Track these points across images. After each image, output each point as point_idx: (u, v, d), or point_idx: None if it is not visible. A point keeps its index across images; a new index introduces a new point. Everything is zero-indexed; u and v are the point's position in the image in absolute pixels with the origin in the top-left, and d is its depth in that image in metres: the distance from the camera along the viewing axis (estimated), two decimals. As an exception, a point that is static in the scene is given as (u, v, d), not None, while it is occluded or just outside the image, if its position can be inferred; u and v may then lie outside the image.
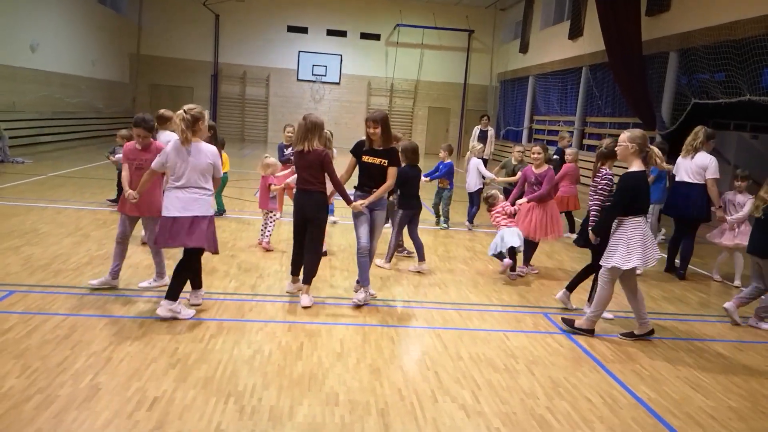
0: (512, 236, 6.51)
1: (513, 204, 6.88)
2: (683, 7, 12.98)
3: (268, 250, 7.14)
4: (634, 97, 13.92)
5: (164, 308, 4.73)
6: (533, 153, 6.97)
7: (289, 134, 8.61)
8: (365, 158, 5.40)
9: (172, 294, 4.75)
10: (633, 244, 4.78)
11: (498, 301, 5.93)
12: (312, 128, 5.23)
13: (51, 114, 17.63)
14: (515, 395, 3.91)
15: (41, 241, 6.82)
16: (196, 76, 25.10)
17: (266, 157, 7.47)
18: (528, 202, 6.79)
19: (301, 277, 5.49)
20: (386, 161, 5.34)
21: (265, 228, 7.29)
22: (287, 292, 5.61)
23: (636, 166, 4.86)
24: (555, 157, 10.10)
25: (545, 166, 6.93)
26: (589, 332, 5.08)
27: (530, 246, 6.99)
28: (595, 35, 15.18)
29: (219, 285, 5.67)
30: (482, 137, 13.72)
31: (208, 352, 4.21)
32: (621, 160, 5.04)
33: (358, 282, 5.60)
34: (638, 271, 7.00)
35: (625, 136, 4.90)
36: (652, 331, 5.10)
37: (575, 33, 18.03)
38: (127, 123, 21.97)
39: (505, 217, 6.76)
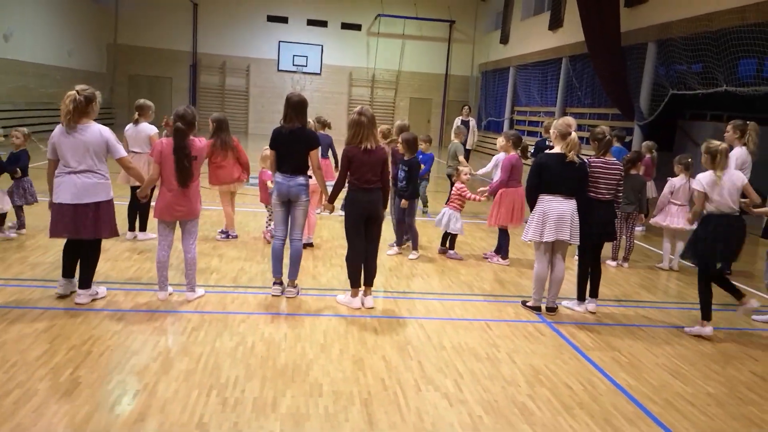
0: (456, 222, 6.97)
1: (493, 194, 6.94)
2: (662, -1, 13.10)
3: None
4: (613, 87, 14.05)
5: (83, 297, 4.81)
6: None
7: None
8: None
9: (87, 283, 4.85)
10: (534, 220, 5.22)
11: (480, 291, 5.97)
12: (374, 123, 5.13)
13: (25, 105, 17.30)
14: (497, 383, 3.95)
15: (16, 234, 6.71)
16: (175, 66, 24.78)
17: (266, 149, 7.33)
18: (489, 193, 7.03)
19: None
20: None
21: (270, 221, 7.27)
22: (367, 308, 5.20)
23: (556, 149, 5.22)
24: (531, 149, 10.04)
25: (509, 154, 6.94)
26: (536, 309, 5.42)
27: (504, 237, 7.05)
28: (575, 26, 15.27)
29: (200, 278, 5.62)
30: (464, 127, 13.73)
31: (190, 345, 4.18)
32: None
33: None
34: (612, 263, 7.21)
35: (554, 122, 5.41)
36: (539, 308, 5.42)
37: (555, 24, 18.12)
38: (105, 114, 21.63)
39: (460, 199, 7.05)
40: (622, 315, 5.54)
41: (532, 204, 5.29)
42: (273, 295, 5.31)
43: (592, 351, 4.61)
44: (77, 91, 4.64)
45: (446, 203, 7.21)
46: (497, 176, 7.10)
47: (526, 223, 5.47)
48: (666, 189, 7.05)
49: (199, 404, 3.40)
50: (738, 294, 5.25)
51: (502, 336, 4.80)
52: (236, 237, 7.33)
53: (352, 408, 3.50)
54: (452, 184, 7.37)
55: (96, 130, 4.67)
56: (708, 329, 5.09)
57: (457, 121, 14.05)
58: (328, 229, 8.14)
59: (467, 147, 13.48)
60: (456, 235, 7.20)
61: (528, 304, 5.47)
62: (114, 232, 4.87)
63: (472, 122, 13.87)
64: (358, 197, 5.08)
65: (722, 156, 4.96)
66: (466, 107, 14.29)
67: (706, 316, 5.11)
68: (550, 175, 5.14)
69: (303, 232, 5.40)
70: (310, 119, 7.37)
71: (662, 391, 4.03)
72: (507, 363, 4.28)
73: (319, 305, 5.21)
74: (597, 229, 5.33)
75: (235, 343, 4.27)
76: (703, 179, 5.02)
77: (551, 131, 5.35)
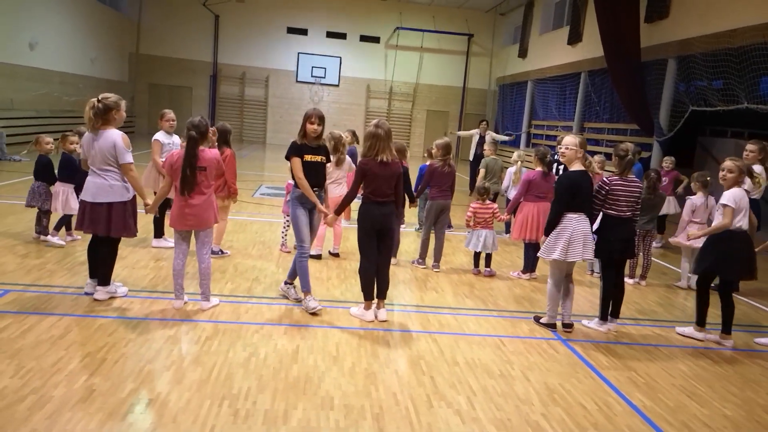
0: (481, 240, 6.89)
1: (510, 211, 6.98)
2: (682, 14, 13.02)
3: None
4: (632, 103, 13.94)
5: (101, 293, 5.07)
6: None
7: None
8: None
9: (105, 280, 5.08)
10: (563, 239, 5.14)
11: (494, 306, 5.93)
12: (390, 135, 5.13)
13: (49, 112, 17.60)
14: (510, 401, 3.91)
15: (37, 240, 6.80)
16: (195, 76, 25.09)
17: None
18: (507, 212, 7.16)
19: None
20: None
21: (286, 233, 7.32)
22: (380, 321, 5.21)
23: (576, 166, 5.18)
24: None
25: (537, 169, 7.00)
26: (551, 326, 5.35)
27: (535, 251, 7.01)
28: (594, 41, 15.21)
29: (215, 287, 5.65)
30: (480, 142, 13.75)
31: (204, 354, 4.20)
32: (569, 165, 5.25)
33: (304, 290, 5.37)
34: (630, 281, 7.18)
35: (571, 140, 5.19)
36: (554, 325, 5.37)
37: (574, 38, 18.07)
38: (127, 121, 22.04)
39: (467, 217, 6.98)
40: (638, 334, 5.47)
41: (555, 223, 5.15)
42: (314, 312, 5.23)
43: (607, 370, 4.55)
44: (97, 99, 4.91)
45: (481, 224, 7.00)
46: (511, 191, 7.21)
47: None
48: (687, 208, 6.93)
49: (211, 415, 3.40)
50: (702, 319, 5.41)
51: (516, 353, 4.75)
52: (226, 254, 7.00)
53: (364, 422, 3.48)
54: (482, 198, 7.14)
55: (109, 135, 4.87)
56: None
57: (475, 137, 14.07)
58: (342, 240, 8.13)
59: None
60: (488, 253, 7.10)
61: (542, 320, 5.41)
62: (126, 232, 5.03)
63: (488, 136, 13.86)
64: (371, 210, 5.07)
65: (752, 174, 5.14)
66: (484, 122, 14.31)
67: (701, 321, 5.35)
68: (582, 194, 5.15)
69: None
70: (342, 133, 7.44)
71: (678, 412, 3.96)
72: (521, 380, 4.24)
73: (332, 317, 5.20)
74: (620, 246, 5.32)
75: (248, 353, 4.28)
76: (735, 196, 5.03)
77: (566, 149, 5.19)
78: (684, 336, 5.41)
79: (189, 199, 4.93)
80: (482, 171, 9.23)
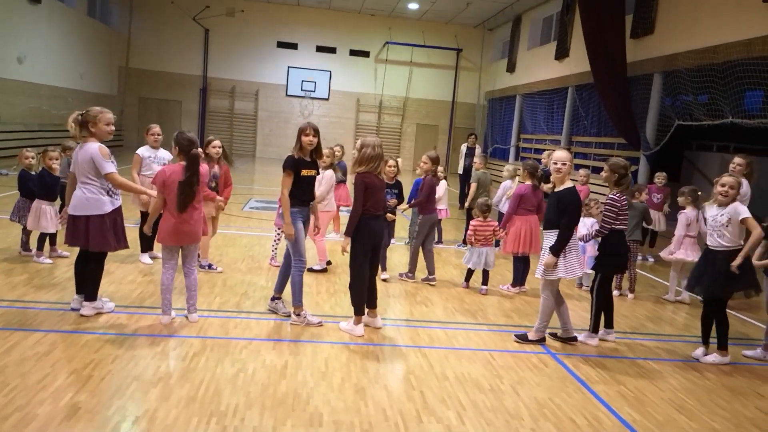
0: (482, 258, 6.78)
1: (504, 226, 6.96)
2: (667, 31, 13.21)
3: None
4: (619, 117, 14.09)
5: (87, 309, 5.02)
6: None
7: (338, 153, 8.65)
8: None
9: (92, 295, 5.04)
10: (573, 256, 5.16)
11: (484, 320, 5.93)
12: (382, 153, 5.25)
13: (38, 126, 17.51)
14: (500, 416, 3.90)
15: (23, 256, 6.73)
16: (185, 89, 25.08)
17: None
18: (501, 227, 7.04)
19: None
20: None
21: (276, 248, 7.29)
22: (376, 328, 5.35)
23: (569, 182, 5.17)
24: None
25: (526, 182, 7.06)
26: (541, 341, 5.32)
27: (524, 264, 7.04)
28: (581, 56, 15.39)
29: (203, 302, 5.61)
30: (469, 155, 13.82)
31: (191, 371, 4.16)
32: (561, 182, 5.20)
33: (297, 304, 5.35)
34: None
35: (566, 155, 5.17)
36: (543, 339, 5.35)
37: (561, 54, 18.28)
38: (115, 135, 21.82)
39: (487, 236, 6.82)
40: (627, 348, 5.48)
41: (567, 242, 5.06)
42: (318, 324, 5.29)
43: (596, 384, 4.55)
44: (78, 113, 4.90)
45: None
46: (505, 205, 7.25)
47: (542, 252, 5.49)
48: (682, 222, 6.93)
49: (199, 432, 3.37)
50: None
51: (506, 367, 4.75)
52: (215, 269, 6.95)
53: (353, 439, 3.45)
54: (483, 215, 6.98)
55: (88, 148, 4.85)
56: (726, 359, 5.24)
57: (463, 149, 14.15)
58: (331, 255, 8.11)
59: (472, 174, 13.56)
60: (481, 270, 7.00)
61: (531, 337, 5.32)
62: (105, 246, 4.94)
63: (478, 149, 13.95)
64: (371, 225, 5.12)
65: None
66: (472, 136, 14.41)
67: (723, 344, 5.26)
68: (579, 211, 5.23)
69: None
70: (330, 148, 7.49)
71: (667, 426, 3.96)
72: (510, 395, 4.23)
73: (321, 332, 5.18)
74: (624, 261, 5.50)
75: (236, 369, 4.24)
76: (745, 208, 5.11)
77: (562, 165, 5.12)
78: (747, 357, 5.44)
79: (185, 215, 4.91)
80: (474, 185, 9.25)
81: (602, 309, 5.47)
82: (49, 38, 18.10)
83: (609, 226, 5.31)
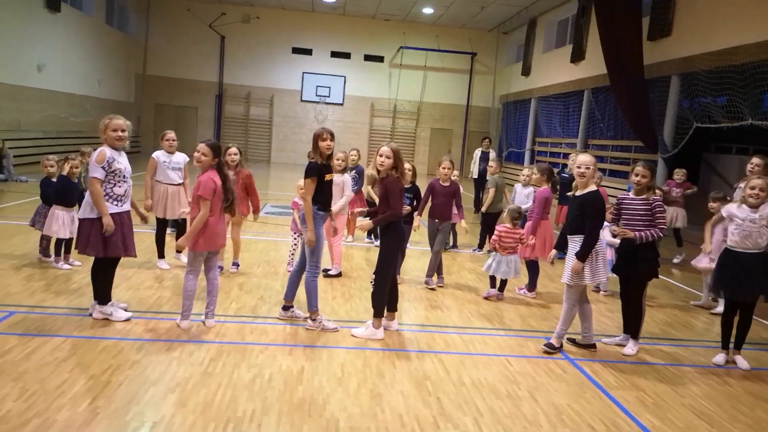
0: (509, 267, 6.62)
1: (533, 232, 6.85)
2: (685, 32, 13.08)
3: None
4: (636, 120, 13.97)
5: (95, 312, 5.07)
6: (533, 174, 7.23)
7: (353, 157, 8.68)
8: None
9: (100, 299, 5.07)
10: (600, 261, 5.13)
11: (500, 325, 5.89)
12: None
13: (56, 133, 17.75)
14: (518, 423, 3.86)
15: (42, 262, 6.81)
16: (201, 96, 25.30)
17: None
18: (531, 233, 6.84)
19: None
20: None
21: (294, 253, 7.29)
22: (394, 330, 5.42)
23: (592, 186, 5.12)
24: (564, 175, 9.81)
25: (544, 186, 6.99)
26: (560, 348, 5.25)
27: (534, 270, 6.99)
28: (597, 59, 15.28)
29: (219, 307, 5.63)
30: (484, 159, 13.77)
31: (208, 376, 4.17)
32: (585, 186, 5.11)
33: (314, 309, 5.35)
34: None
35: (590, 159, 5.10)
36: (561, 346, 5.27)
37: (577, 56, 18.17)
38: (132, 142, 21.93)
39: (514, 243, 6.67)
40: (646, 353, 5.41)
41: (593, 247, 4.99)
42: (334, 329, 5.31)
43: (615, 390, 4.50)
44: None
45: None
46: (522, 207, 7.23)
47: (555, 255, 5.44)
48: (721, 229, 6.49)
49: (215, 438, 3.37)
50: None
51: (523, 373, 4.71)
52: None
53: (369, 445, 3.44)
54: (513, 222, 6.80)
55: (93, 153, 5.00)
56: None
57: (477, 153, 14.10)
58: (347, 259, 8.12)
59: (487, 178, 13.49)
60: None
61: (555, 343, 5.23)
62: (90, 250, 4.94)
63: (492, 154, 13.89)
64: (401, 228, 5.30)
65: None
66: (487, 139, 14.35)
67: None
68: (603, 214, 5.14)
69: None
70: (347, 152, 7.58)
71: (689, 434, 3.90)
72: (528, 401, 4.19)
73: (338, 337, 5.17)
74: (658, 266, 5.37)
75: (252, 375, 4.25)
76: None
77: (585, 170, 5.05)
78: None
79: (220, 221, 5.08)
80: (492, 190, 9.10)
81: (641, 315, 5.38)
82: (68, 46, 18.37)
83: (655, 229, 5.17)
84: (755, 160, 6.80)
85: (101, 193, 4.92)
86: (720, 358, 5.24)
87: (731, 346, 5.30)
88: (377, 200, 5.66)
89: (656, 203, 5.17)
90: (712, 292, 6.37)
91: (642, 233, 5.11)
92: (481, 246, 9.50)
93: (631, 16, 13.17)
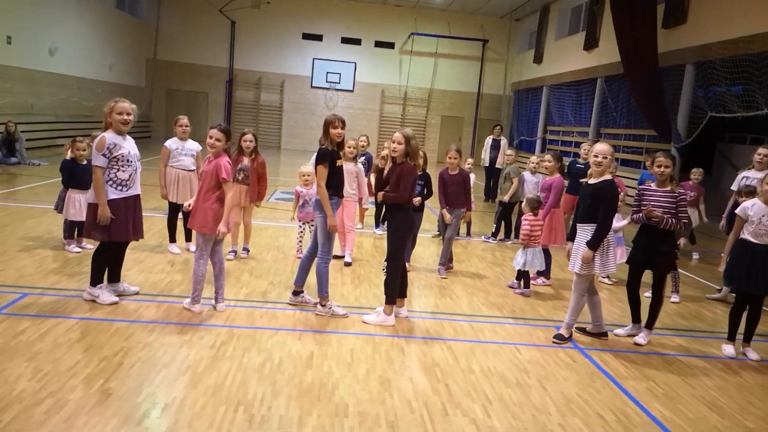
0: (541, 258, 6.56)
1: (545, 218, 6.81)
2: (700, 20, 12.90)
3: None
4: (650, 109, 13.83)
5: (85, 293, 5.14)
6: (545, 161, 7.15)
7: (362, 144, 8.68)
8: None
9: (91, 280, 5.10)
10: (611, 250, 5.10)
11: (510, 314, 5.88)
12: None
13: (68, 117, 17.82)
14: (527, 411, 3.86)
15: (56, 244, 6.87)
16: (212, 81, 25.30)
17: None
18: (543, 216, 6.75)
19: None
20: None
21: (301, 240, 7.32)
22: (403, 317, 5.42)
23: (607, 175, 5.05)
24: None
25: (556, 175, 6.99)
26: (570, 337, 5.23)
27: (546, 258, 6.97)
28: (611, 46, 15.12)
29: (230, 291, 5.66)
30: (495, 146, 13.70)
31: (219, 359, 4.20)
32: (600, 175, 5.03)
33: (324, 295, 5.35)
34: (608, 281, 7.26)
35: (607, 149, 5.00)
36: (571, 336, 5.26)
37: (590, 44, 17.98)
38: (143, 126, 22.15)
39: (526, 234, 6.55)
40: (657, 343, 5.39)
41: (605, 234, 4.94)
42: (344, 315, 5.31)
43: (626, 380, 4.48)
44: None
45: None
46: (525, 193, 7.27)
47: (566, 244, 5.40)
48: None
49: (226, 420, 3.40)
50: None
51: (533, 361, 4.70)
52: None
53: (378, 430, 3.45)
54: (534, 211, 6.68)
55: (97, 138, 5.02)
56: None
57: (488, 141, 14.01)
58: (356, 246, 8.13)
59: (497, 166, 13.42)
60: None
61: (565, 333, 5.21)
62: (94, 234, 4.99)
63: (503, 141, 13.81)
64: (411, 216, 5.38)
65: None
66: (498, 127, 14.26)
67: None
68: (615, 204, 5.10)
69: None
70: (355, 140, 7.58)
71: (698, 424, 3.89)
72: (537, 390, 4.19)
73: (347, 323, 5.19)
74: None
75: (262, 359, 4.27)
76: None
77: (602, 159, 4.97)
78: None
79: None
80: (516, 180, 8.92)
81: (660, 306, 5.36)
82: (79, 30, 18.39)
83: (681, 219, 5.13)
84: (762, 150, 6.72)
85: (102, 182, 4.92)
86: (730, 349, 5.22)
87: (740, 338, 5.27)
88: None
89: (681, 196, 5.09)
90: (725, 283, 6.31)
91: (669, 218, 5.03)
92: (495, 234, 9.39)
93: (646, 2, 13.01)
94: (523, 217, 6.65)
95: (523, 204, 6.77)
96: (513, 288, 6.68)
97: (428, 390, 4.03)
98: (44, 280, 5.62)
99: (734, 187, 7.07)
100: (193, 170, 6.94)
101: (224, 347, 4.42)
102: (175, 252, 6.98)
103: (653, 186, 5.23)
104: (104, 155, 4.89)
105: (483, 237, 9.48)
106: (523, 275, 6.60)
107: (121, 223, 5.01)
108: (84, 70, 18.87)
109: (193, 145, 7.00)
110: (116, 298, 5.15)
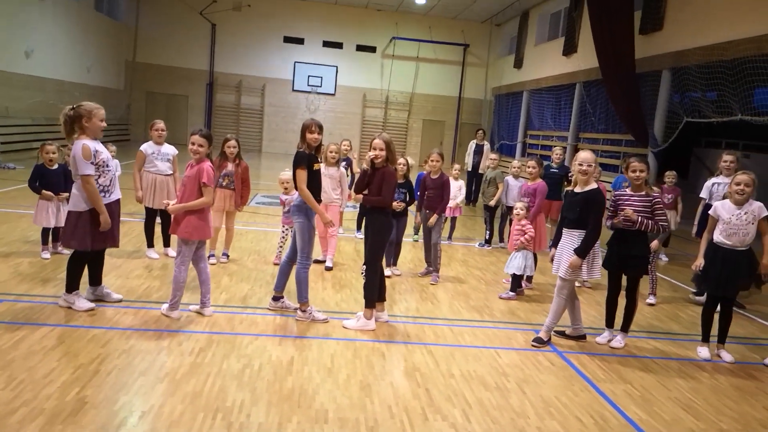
0: (533, 262, 6.64)
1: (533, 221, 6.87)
2: (676, 27, 13.12)
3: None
4: (627, 114, 14.02)
5: (61, 299, 5.07)
6: (529, 167, 7.20)
7: (345, 148, 8.65)
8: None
9: (67, 287, 5.03)
10: (597, 255, 5.27)
11: (489, 318, 5.92)
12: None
13: (44, 120, 17.52)
14: (506, 414, 3.89)
15: (31, 249, 6.76)
16: (192, 84, 25.08)
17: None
18: (530, 220, 6.81)
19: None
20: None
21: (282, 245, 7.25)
22: (384, 321, 5.42)
23: (593, 183, 5.12)
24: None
25: (539, 180, 7.11)
26: (548, 342, 5.27)
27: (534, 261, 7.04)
28: (589, 52, 15.31)
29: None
30: (477, 151, 13.77)
31: (197, 366, 4.16)
32: (586, 183, 5.09)
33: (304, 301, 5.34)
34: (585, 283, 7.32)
35: (591, 157, 5.07)
36: (549, 340, 5.30)
37: (569, 49, 18.18)
38: (122, 130, 21.93)
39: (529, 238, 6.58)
40: (633, 346, 5.45)
41: (594, 243, 5.02)
42: (324, 320, 5.31)
43: (603, 383, 4.53)
44: (71, 106, 4.85)
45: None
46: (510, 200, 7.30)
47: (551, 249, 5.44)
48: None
49: (204, 428, 3.37)
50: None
51: (512, 365, 4.73)
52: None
53: (358, 436, 3.45)
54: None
55: (75, 146, 4.83)
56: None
57: (472, 145, 14.08)
58: (337, 250, 8.11)
59: (480, 171, 13.50)
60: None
61: (543, 337, 5.25)
62: (74, 242, 4.90)
63: (486, 146, 13.89)
64: (390, 221, 5.39)
65: None
66: (481, 131, 14.33)
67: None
68: (603, 212, 5.13)
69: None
70: (337, 145, 7.58)
71: (674, 426, 3.94)
72: (516, 393, 4.22)
73: (327, 328, 5.18)
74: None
75: (242, 365, 4.25)
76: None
77: (587, 167, 5.02)
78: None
79: (209, 210, 5.15)
80: (501, 185, 8.88)
81: (635, 309, 5.41)
82: (56, 32, 18.12)
83: (665, 223, 5.18)
84: (727, 157, 6.92)
85: (97, 191, 4.85)
86: (704, 351, 5.30)
87: (714, 340, 5.36)
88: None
89: (656, 199, 5.14)
90: (695, 286, 6.42)
91: (644, 219, 5.05)
92: (489, 241, 9.36)
93: (624, 9, 13.18)
94: (523, 222, 6.61)
95: (517, 209, 6.73)
96: (510, 299, 6.61)
97: (408, 395, 4.04)
98: (18, 286, 5.53)
99: (704, 194, 7.19)
100: (170, 175, 6.89)
101: (203, 353, 4.38)
102: (154, 257, 6.91)
103: (628, 191, 5.29)
104: (92, 162, 4.82)
105: (477, 244, 9.45)
106: (518, 279, 6.65)
107: (102, 231, 4.94)
108: (61, 72, 18.60)
109: (169, 149, 6.94)
110: (92, 305, 5.07)
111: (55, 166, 6.55)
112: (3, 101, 15.56)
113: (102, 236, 4.96)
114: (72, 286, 5.04)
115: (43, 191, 6.41)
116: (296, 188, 5.14)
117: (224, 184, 6.81)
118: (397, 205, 6.49)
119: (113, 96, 22.91)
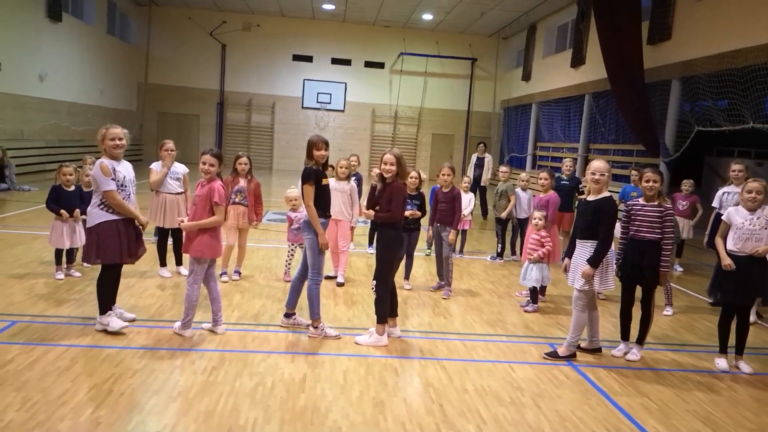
0: (547, 272, 6.59)
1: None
2: (684, 36, 13.10)
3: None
4: (638, 124, 13.97)
5: (96, 323, 5.06)
6: (541, 179, 7.19)
7: (353, 163, 8.60)
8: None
9: (100, 308, 5.02)
10: (610, 266, 5.14)
11: (503, 331, 5.87)
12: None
13: (58, 142, 17.79)
14: (521, 430, 3.84)
15: (45, 270, 6.82)
16: (203, 104, 25.37)
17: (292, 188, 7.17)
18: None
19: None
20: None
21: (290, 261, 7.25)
22: (396, 337, 5.40)
23: (605, 192, 5.08)
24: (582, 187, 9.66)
25: (551, 192, 7.11)
26: (573, 356, 5.18)
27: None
28: (598, 63, 15.30)
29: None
30: (479, 165, 13.73)
31: (210, 385, 4.16)
32: (599, 192, 5.06)
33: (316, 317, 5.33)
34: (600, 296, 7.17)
35: (604, 166, 5.05)
36: (574, 355, 5.22)
37: (577, 61, 18.19)
38: (135, 150, 22.09)
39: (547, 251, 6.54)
40: (650, 358, 5.38)
41: (606, 251, 4.96)
42: (336, 336, 5.29)
43: (620, 396, 4.47)
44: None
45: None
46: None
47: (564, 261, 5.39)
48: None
49: (218, 447, 3.36)
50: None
51: (527, 379, 4.69)
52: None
53: (372, 453, 3.42)
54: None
55: (95, 164, 5.00)
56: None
57: (473, 158, 14.06)
58: (348, 266, 8.11)
59: (482, 183, 13.50)
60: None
61: (562, 353, 5.18)
62: (93, 258, 4.93)
63: (488, 158, 13.85)
64: (400, 235, 5.38)
65: None
66: (481, 144, 14.32)
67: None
68: (615, 221, 5.09)
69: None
70: (347, 160, 7.64)
71: (694, 440, 3.88)
72: (532, 408, 4.17)
73: (340, 344, 5.16)
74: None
75: (254, 383, 4.24)
76: None
77: (600, 176, 5.01)
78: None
79: (220, 228, 5.18)
80: (513, 197, 8.85)
81: (650, 320, 5.34)
82: (70, 55, 18.43)
83: (671, 234, 5.14)
84: (736, 166, 6.89)
85: (123, 202, 4.96)
86: (722, 363, 5.22)
87: (732, 351, 5.28)
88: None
89: (668, 211, 5.10)
90: (709, 295, 6.33)
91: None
92: (501, 254, 9.29)
93: (631, 20, 13.18)
94: (542, 233, 6.56)
95: (536, 219, 6.66)
96: (535, 311, 6.59)
97: (422, 411, 4.01)
98: (33, 307, 5.57)
99: (715, 203, 7.15)
100: (180, 193, 6.94)
101: (216, 372, 4.38)
102: (166, 276, 6.94)
103: (641, 201, 5.26)
104: (113, 179, 4.92)
105: (489, 257, 9.39)
106: (535, 292, 6.62)
107: (116, 245, 4.96)
108: (74, 94, 18.89)
109: (179, 168, 7.01)
110: (125, 323, 5.09)
111: (72, 188, 6.62)
112: (17, 124, 15.81)
113: (114, 250, 4.96)
114: (105, 306, 5.04)
115: (61, 210, 6.46)
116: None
117: (237, 200, 6.88)
118: (411, 213, 6.50)
119: (126, 117, 23.20)
